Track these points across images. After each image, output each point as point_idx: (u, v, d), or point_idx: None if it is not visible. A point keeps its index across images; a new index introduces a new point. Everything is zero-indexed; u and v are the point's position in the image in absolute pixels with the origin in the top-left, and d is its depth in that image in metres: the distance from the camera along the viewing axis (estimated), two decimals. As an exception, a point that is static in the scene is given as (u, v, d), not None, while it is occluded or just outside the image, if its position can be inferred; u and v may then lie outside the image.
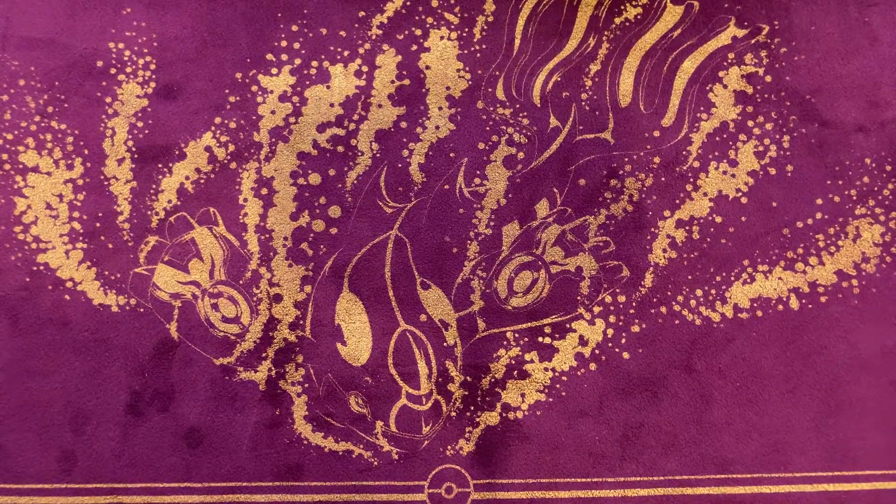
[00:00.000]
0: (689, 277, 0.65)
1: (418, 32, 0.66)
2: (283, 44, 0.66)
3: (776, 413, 0.64)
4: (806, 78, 0.67)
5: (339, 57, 0.66)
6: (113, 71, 0.65)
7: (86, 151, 0.64)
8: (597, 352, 0.64)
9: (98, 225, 0.64)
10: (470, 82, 0.66)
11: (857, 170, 0.66)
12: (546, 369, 0.63)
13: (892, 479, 0.64)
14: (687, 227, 0.66)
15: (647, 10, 0.68)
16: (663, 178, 0.66)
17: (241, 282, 0.64)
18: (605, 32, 0.68)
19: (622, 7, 0.68)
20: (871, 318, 0.66)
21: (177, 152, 0.65)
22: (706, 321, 0.65)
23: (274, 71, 0.66)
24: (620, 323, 0.64)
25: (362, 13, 0.66)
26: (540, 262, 0.65)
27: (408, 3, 0.67)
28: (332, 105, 0.65)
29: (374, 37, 0.66)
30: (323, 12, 0.66)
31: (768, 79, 0.68)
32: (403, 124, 0.66)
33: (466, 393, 0.63)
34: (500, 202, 0.66)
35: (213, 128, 0.65)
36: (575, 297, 0.64)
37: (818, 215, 0.66)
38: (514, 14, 0.67)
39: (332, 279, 0.64)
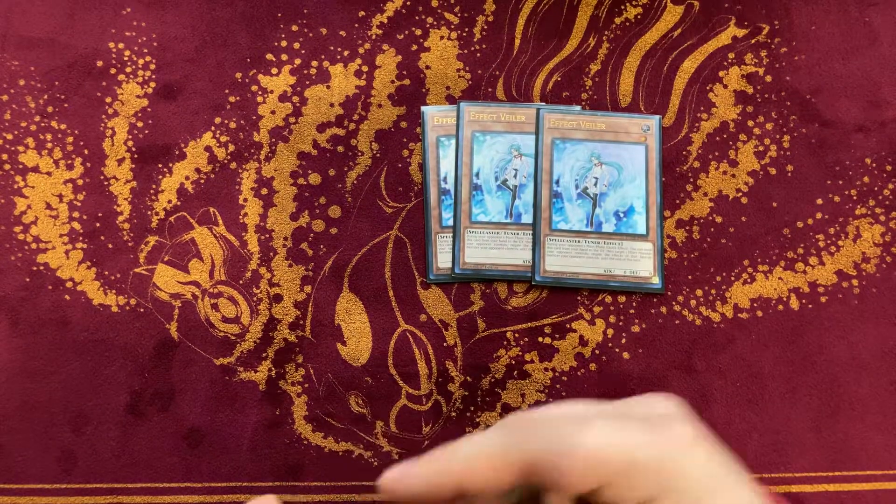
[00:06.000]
0: (689, 277, 0.65)
1: (418, 32, 0.66)
2: (283, 44, 0.66)
3: (776, 413, 0.64)
4: (806, 78, 0.67)
5: (339, 57, 0.66)
6: (113, 71, 0.65)
7: (86, 151, 0.64)
8: (597, 352, 0.64)
9: (98, 225, 0.64)
10: (470, 82, 0.66)
11: (857, 170, 0.66)
12: (546, 369, 0.63)
13: (892, 479, 0.64)
14: (687, 228, 0.66)
15: (647, 10, 0.68)
16: (663, 179, 0.66)
17: (241, 282, 0.63)
18: (606, 32, 0.68)
19: (622, 7, 0.68)
20: (871, 318, 0.65)
21: (177, 152, 0.64)
22: (706, 321, 0.65)
23: (274, 71, 0.65)
24: (620, 323, 0.64)
25: (362, 13, 0.66)
26: (540, 262, 0.65)
27: (408, 3, 0.67)
28: (332, 105, 0.65)
29: (374, 37, 0.66)
30: (323, 12, 0.66)
31: (768, 79, 0.68)
32: (403, 124, 0.66)
33: (466, 393, 0.63)
34: (500, 202, 0.66)
35: (213, 128, 0.65)
36: (575, 297, 0.64)
37: (818, 215, 0.66)
38: (514, 14, 0.67)
39: (332, 279, 0.64)
